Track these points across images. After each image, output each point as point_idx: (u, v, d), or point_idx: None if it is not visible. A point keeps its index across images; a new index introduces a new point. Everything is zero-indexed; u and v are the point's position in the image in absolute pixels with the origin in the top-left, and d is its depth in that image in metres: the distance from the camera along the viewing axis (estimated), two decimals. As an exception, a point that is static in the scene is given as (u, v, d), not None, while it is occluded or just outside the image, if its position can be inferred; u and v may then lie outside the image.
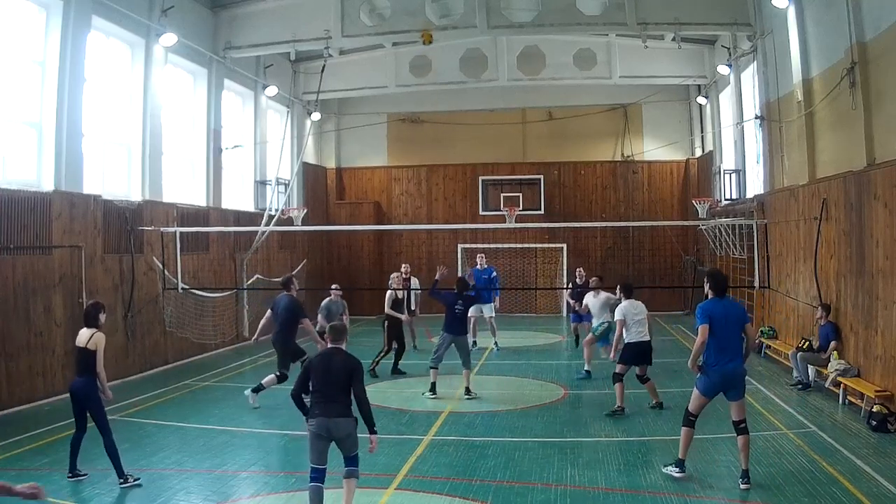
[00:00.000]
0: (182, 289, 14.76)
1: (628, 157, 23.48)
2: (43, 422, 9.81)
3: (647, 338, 10.22)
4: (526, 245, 23.00)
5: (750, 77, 16.91)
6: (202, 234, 15.96)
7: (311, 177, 23.29)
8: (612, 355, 10.40)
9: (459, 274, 19.38)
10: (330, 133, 24.50)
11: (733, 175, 17.85)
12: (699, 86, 21.32)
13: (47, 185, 11.90)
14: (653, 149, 23.36)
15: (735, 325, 7.21)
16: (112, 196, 13.49)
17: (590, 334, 13.27)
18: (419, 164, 24.47)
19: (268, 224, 16.87)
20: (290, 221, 17.55)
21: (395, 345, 13.55)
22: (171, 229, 14.57)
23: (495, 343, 16.14)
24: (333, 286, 13.87)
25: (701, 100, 21.14)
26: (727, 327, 7.14)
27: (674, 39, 16.69)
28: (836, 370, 10.74)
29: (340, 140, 24.83)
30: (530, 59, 20.86)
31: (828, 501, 6.67)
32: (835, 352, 11.23)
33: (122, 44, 14.43)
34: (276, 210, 17.53)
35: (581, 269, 17.03)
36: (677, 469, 7.45)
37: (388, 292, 13.70)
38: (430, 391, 11.41)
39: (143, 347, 13.96)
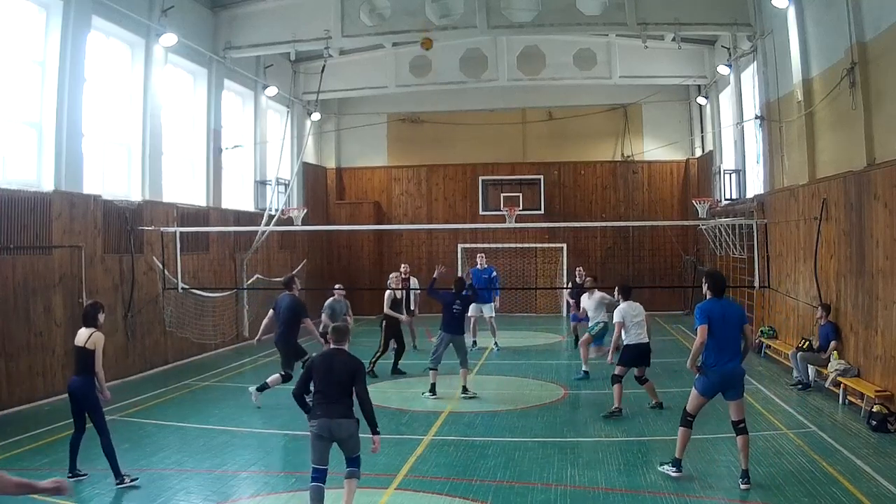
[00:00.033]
0: (182, 289, 14.76)
1: (628, 157, 23.49)
2: (43, 422, 9.81)
3: (646, 339, 10.22)
4: (526, 245, 23.00)
5: (750, 77, 16.91)
6: (202, 234, 15.96)
7: (311, 177, 23.30)
8: (609, 358, 10.38)
9: (459, 273, 19.39)
10: (330, 133, 24.50)
11: (733, 175, 17.85)
12: (699, 86, 21.32)
13: (47, 185, 11.90)
14: (653, 149, 23.37)
15: (734, 326, 7.21)
16: (112, 196, 13.50)
17: (585, 334, 13.28)
18: (419, 164, 24.48)
19: (268, 224, 16.87)
20: (290, 221, 17.55)
21: (393, 344, 13.54)
22: (171, 229, 14.57)
23: (495, 343, 16.14)
24: (337, 286, 13.85)
25: (701, 100, 21.14)
26: (726, 328, 7.14)
27: (674, 39, 16.69)
28: (836, 370, 10.74)
29: (340, 140, 24.84)
30: (530, 59, 20.86)
31: (828, 501, 6.67)
32: (835, 352, 11.23)
33: (122, 44, 14.43)
34: (276, 210, 17.53)
35: (581, 268, 17.05)
36: (674, 468, 7.46)
37: (387, 292, 13.70)
38: (430, 392, 11.41)
39: (143, 347, 13.96)
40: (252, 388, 10.97)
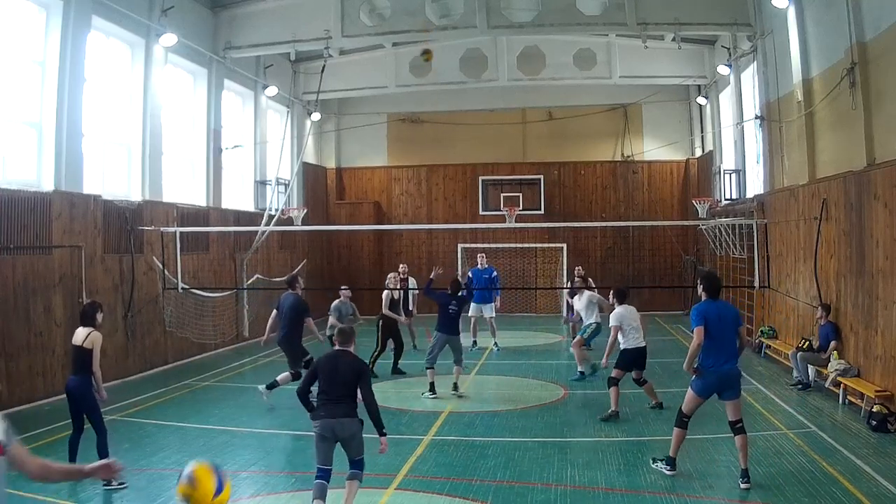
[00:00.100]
0: (182, 289, 14.76)
1: (628, 157, 23.48)
2: (43, 422, 9.80)
3: (644, 343, 10.21)
4: (526, 245, 22.98)
5: (750, 77, 16.91)
6: (202, 234, 15.96)
7: (311, 177, 23.30)
8: (604, 361, 10.35)
9: (459, 273, 19.41)
10: (330, 133, 24.50)
11: (733, 175, 17.85)
12: (699, 86, 21.31)
13: (47, 185, 11.90)
14: (653, 149, 23.37)
15: (730, 327, 7.23)
16: (112, 196, 13.49)
17: (578, 336, 13.30)
18: (419, 164, 24.48)
19: (268, 224, 16.87)
20: (290, 221, 17.56)
21: (391, 344, 13.54)
22: (171, 229, 14.57)
23: (495, 343, 16.14)
24: (343, 288, 13.82)
25: (701, 100, 21.14)
26: (722, 329, 7.16)
27: (674, 39, 16.69)
28: (836, 370, 10.74)
29: (340, 140, 24.84)
30: (530, 59, 20.86)
31: (828, 501, 6.67)
32: (835, 352, 11.23)
33: (122, 44, 14.43)
34: (276, 210, 17.53)
35: (580, 267, 17.05)
36: (667, 466, 7.48)
37: (385, 292, 13.70)
38: (430, 391, 11.42)
39: (143, 347, 13.96)
40: (262, 387, 10.94)
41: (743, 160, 17.62)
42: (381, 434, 6.33)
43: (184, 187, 16.35)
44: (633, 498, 6.92)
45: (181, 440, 9.23)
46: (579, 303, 13.45)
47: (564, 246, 22.56)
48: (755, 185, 16.76)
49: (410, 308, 15.90)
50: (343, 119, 24.52)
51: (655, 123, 23.37)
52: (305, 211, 18.52)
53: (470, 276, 16.95)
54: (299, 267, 20.42)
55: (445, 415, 10.36)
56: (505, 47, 20.72)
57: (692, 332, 7.25)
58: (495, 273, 17.07)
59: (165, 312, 14.64)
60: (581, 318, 13.56)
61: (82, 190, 12.48)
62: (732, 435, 7.28)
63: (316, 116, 21.73)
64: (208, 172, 17.01)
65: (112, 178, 14.07)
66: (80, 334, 7.55)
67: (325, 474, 6.23)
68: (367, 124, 23.87)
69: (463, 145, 23.83)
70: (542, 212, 22.75)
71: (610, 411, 9.96)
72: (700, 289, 7.46)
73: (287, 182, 19.39)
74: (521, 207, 21.52)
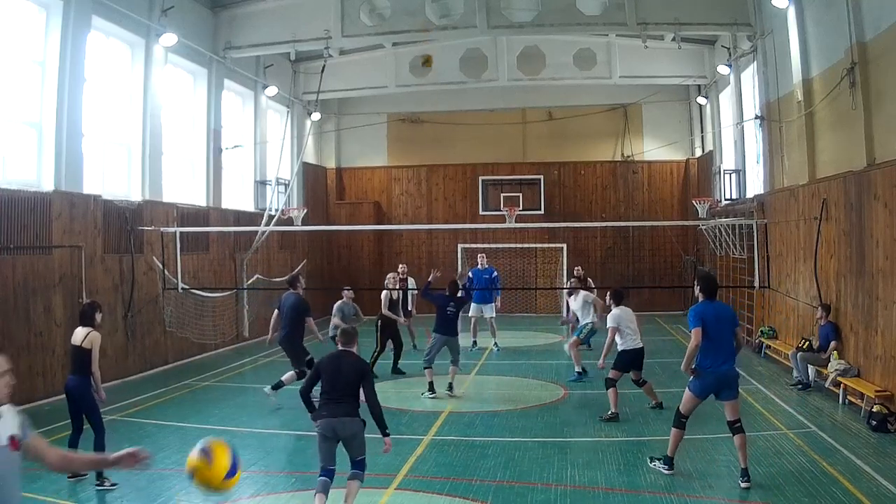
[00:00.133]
0: (182, 289, 14.76)
1: (628, 157, 23.48)
2: (42, 422, 9.77)
3: (641, 344, 10.21)
4: (526, 245, 22.97)
5: (750, 77, 16.91)
6: (202, 234, 15.96)
7: (311, 177, 23.30)
8: (600, 362, 10.34)
9: (459, 273, 19.41)
10: (330, 133, 24.50)
11: (733, 175, 17.85)
12: (699, 86, 21.31)
13: (47, 185, 11.90)
14: (653, 149, 23.36)
15: (727, 327, 7.24)
16: (112, 196, 13.49)
17: (573, 336, 13.29)
18: (419, 164, 24.48)
19: (268, 224, 16.87)
20: (290, 221, 17.56)
21: (390, 344, 13.54)
22: (171, 229, 14.57)
23: (495, 343, 16.13)
24: (346, 288, 13.80)
25: (701, 100, 21.14)
26: (720, 330, 7.17)
27: (674, 39, 16.69)
28: (836, 370, 10.74)
29: (340, 140, 24.84)
30: (530, 59, 20.86)
31: (828, 501, 6.67)
32: (835, 352, 11.23)
33: (122, 44, 14.43)
34: (276, 210, 17.53)
35: (579, 267, 17.04)
36: (665, 466, 7.49)
37: (384, 293, 13.69)
38: (429, 391, 11.43)
39: (143, 347, 13.96)
40: (267, 389, 10.90)
41: (743, 160, 17.62)
42: (385, 434, 6.36)
43: (184, 187, 16.34)
44: (632, 498, 6.93)
45: (181, 440, 9.22)
46: (575, 303, 13.46)
47: (564, 246, 22.54)
48: (755, 185, 16.76)
49: (409, 308, 15.89)
50: (343, 119, 24.52)
51: (655, 123, 23.37)
52: (305, 211, 18.51)
53: (470, 276, 16.95)
54: (299, 267, 20.42)
55: (445, 415, 10.37)
56: (505, 47, 20.72)
57: (690, 332, 7.26)
58: (496, 273, 17.07)
59: (165, 312, 14.64)
60: (577, 319, 13.56)
61: (82, 190, 12.48)
62: (731, 435, 7.29)
63: (316, 116, 21.73)
64: (208, 172, 17.01)
65: (112, 178, 14.07)
66: (80, 334, 7.56)
67: (328, 473, 6.26)
68: (367, 124, 23.87)
69: (463, 145, 23.83)
70: (542, 212, 22.75)
71: (610, 413, 9.95)
72: (697, 290, 7.48)
73: (287, 182, 19.39)
74: (521, 207, 21.52)
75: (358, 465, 6.33)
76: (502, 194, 22.65)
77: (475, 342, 16.18)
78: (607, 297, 10.67)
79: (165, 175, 15.25)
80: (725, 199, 18.12)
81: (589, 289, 14.70)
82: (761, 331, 15.19)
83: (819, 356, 11.52)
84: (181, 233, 14.70)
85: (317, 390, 6.65)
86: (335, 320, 12.96)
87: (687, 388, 7.39)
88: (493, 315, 16.25)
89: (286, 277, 12.26)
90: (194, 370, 14.22)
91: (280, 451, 8.97)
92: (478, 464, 8.07)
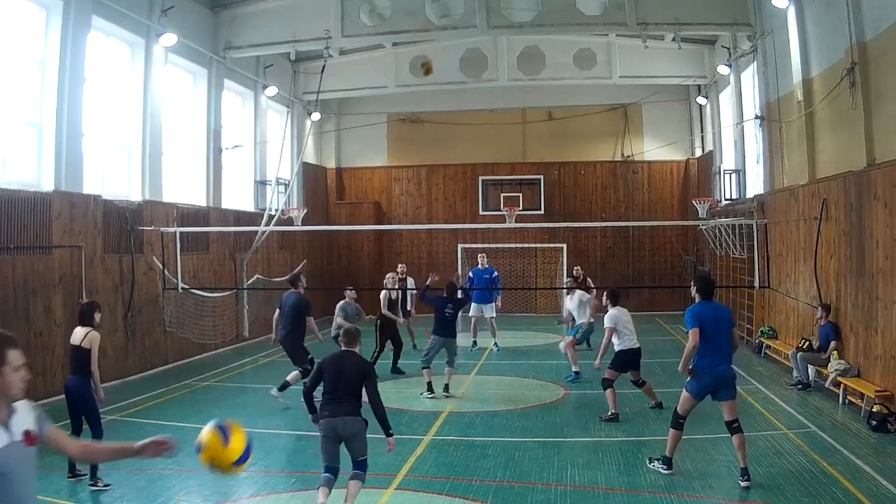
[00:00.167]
0: (182, 289, 14.76)
1: (628, 157, 23.49)
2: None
3: (638, 344, 10.21)
4: (526, 245, 22.98)
5: (750, 77, 16.91)
6: (202, 234, 15.96)
7: (311, 177, 23.30)
8: (597, 363, 10.34)
9: (459, 273, 19.42)
10: (330, 133, 24.50)
11: (733, 175, 17.85)
12: (699, 86, 21.31)
13: (47, 185, 11.90)
14: (653, 149, 23.37)
15: (724, 328, 7.24)
16: (112, 196, 13.49)
17: (569, 336, 13.30)
18: (419, 164, 24.48)
19: (268, 224, 16.87)
20: (290, 221, 17.56)
21: (389, 344, 13.54)
22: (171, 229, 14.57)
23: (495, 343, 16.13)
24: (348, 288, 13.78)
25: (701, 100, 21.14)
26: (717, 330, 7.17)
27: (674, 39, 16.69)
28: (836, 370, 10.74)
29: (340, 140, 24.84)
30: (530, 59, 20.85)
31: (828, 501, 6.67)
32: (835, 352, 11.23)
33: (122, 44, 14.43)
34: (276, 210, 17.53)
35: (578, 267, 17.03)
36: (664, 466, 7.48)
37: (383, 293, 13.69)
38: (428, 391, 11.43)
39: (143, 347, 13.96)
40: (274, 391, 10.85)
41: (743, 160, 17.62)
42: (388, 434, 6.37)
43: (184, 187, 16.34)
44: (632, 498, 6.92)
45: (181, 440, 9.16)
46: (570, 303, 13.46)
47: (564, 246, 22.55)
48: (755, 185, 16.76)
49: (408, 308, 15.89)
50: (343, 119, 24.52)
51: (655, 123, 23.37)
52: (305, 211, 18.52)
53: (471, 276, 16.95)
54: (299, 267, 20.42)
55: (445, 415, 10.36)
56: (505, 47, 20.72)
57: (687, 332, 7.26)
58: (496, 273, 17.06)
59: (165, 312, 14.64)
60: (573, 318, 13.56)
61: (82, 190, 12.48)
62: (730, 435, 7.29)
63: (316, 116, 21.73)
64: (208, 172, 17.01)
65: (112, 178, 14.07)
66: (79, 334, 7.56)
67: (333, 472, 6.30)
68: (367, 124, 23.87)
69: (463, 145, 23.83)
70: (542, 212, 22.75)
71: (610, 413, 9.95)
72: (693, 290, 7.48)
73: (287, 182, 19.39)
74: (521, 207, 21.52)
75: (359, 465, 6.34)
76: (502, 194, 22.65)
77: (475, 342, 16.18)
78: (604, 298, 10.67)
79: (165, 175, 15.25)
80: (725, 199, 18.12)
81: (588, 289, 14.70)
82: (761, 331, 15.19)
83: (819, 356, 11.52)
84: (181, 233, 14.70)
85: (319, 390, 6.65)
86: (338, 320, 12.94)
87: (684, 389, 7.39)
88: (494, 315, 16.25)
89: (287, 276, 12.24)
90: (194, 370, 14.22)
91: (280, 451, 8.96)
92: (478, 464, 8.07)
